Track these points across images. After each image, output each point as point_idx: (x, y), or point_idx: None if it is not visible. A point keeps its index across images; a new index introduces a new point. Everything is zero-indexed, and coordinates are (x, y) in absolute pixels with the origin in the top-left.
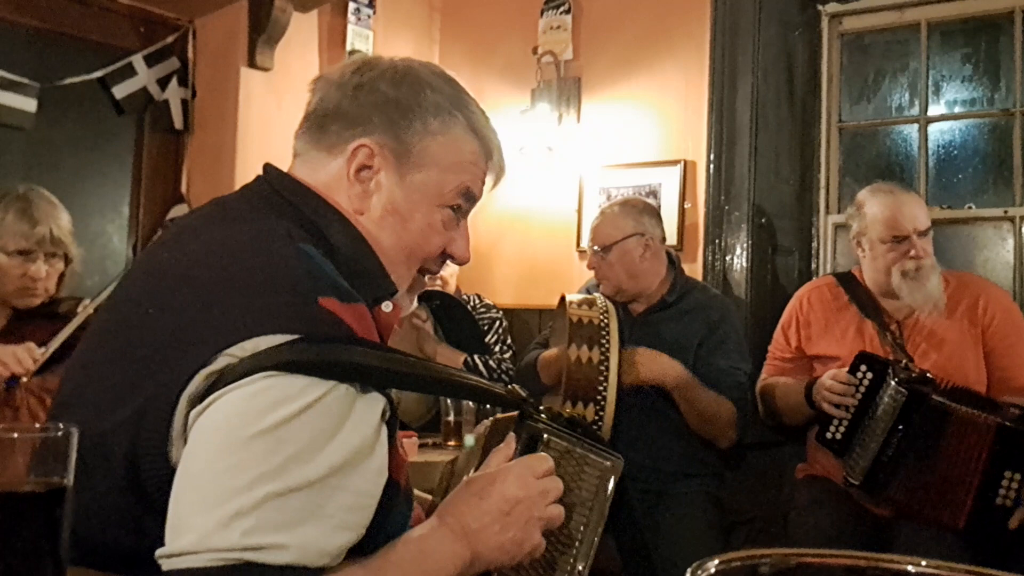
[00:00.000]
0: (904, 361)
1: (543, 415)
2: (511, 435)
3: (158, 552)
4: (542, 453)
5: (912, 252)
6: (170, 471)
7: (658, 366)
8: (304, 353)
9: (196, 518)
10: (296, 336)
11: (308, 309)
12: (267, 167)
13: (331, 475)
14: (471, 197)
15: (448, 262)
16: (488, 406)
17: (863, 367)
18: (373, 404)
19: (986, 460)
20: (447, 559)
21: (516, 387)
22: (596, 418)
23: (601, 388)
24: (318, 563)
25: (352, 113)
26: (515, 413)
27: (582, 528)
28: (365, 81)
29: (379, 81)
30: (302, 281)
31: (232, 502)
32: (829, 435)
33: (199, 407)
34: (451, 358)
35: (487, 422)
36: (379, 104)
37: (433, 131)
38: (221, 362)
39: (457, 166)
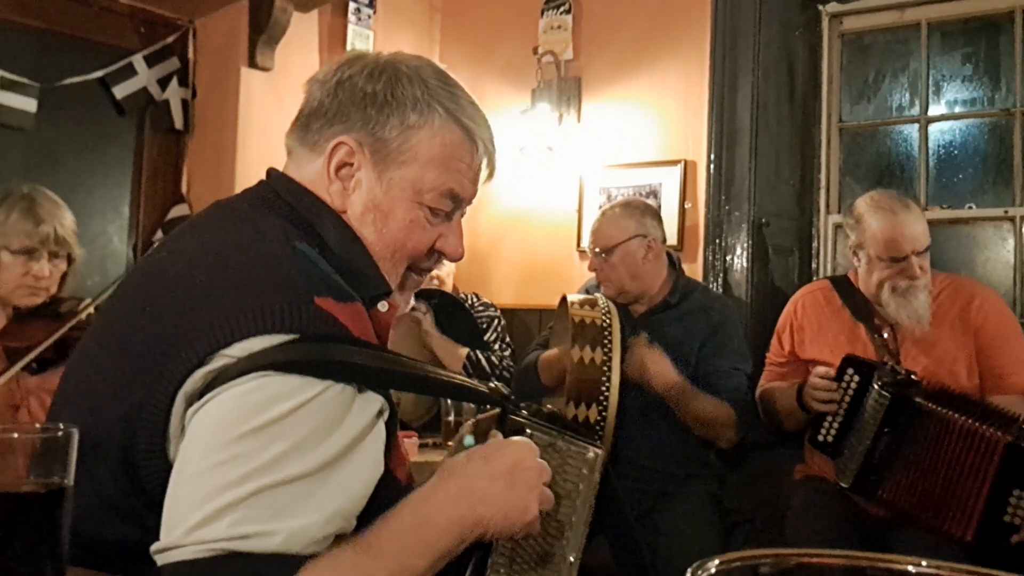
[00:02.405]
0: (890, 364)
1: (524, 411)
2: (494, 431)
3: (152, 548)
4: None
5: (909, 272)
6: (168, 468)
7: (660, 371)
8: (300, 353)
9: (187, 513)
10: (292, 336)
11: (304, 309)
12: (270, 171)
13: (323, 468)
14: (456, 198)
15: (442, 259)
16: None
17: (850, 370)
18: (368, 403)
19: (995, 476)
20: (447, 524)
21: (498, 385)
22: (599, 419)
23: (604, 389)
24: (305, 551)
25: (332, 110)
26: (497, 411)
27: (571, 519)
28: (345, 78)
29: (357, 77)
30: (298, 281)
31: (222, 496)
32: (820, 437)
33: (196, 405)
34: (454, 352)
35: (470, 422)
36: (356, 100)
37: (412, 125)
38: (219, 361)
39: (439, 162)
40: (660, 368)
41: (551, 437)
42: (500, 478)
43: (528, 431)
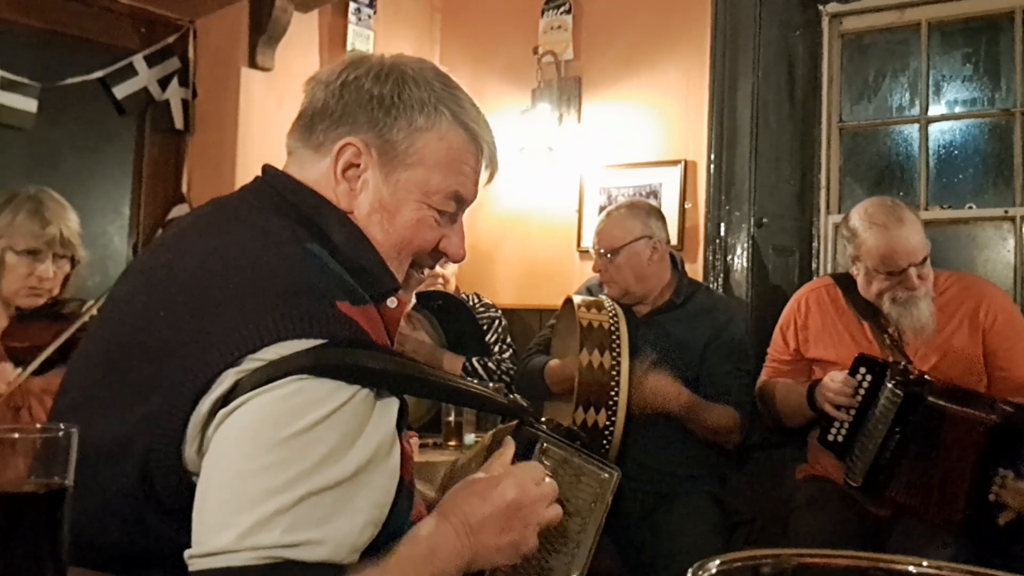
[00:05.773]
0: (903, 363)
1: (543, 425)
2: (509, 439)
3: (188, 552)
4: (535, 462)
5: (907, 284)
6: (181, 469)
7: (664, 394)
8: (331, 357)
9: (234, 517)
10: (321, 340)
11: (328, 313)
12: (266, 167)
13: (359, 473)
14: (460, 200)
15: (443, 259)
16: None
17: (862, 369)
18: (390, 406)
19: (980, 457)
20: (452, 557)
21: (517, 397)
22: (608, 423)
23: (613, 393)
24: (348, 559)
25: (338, 112)
26: (515, 422)
27: (578, 537)
28: (350, 79)
29: (364, 79)
30: (317, 284)
31: (271, 501)
32: (831, 437)
33: (225, 409)
34: (451, 362)
35: (489, 434)
36: (363, 102)
37: (419, 127)
38: (247, 365)
39: (445, 164)
40: (668, 392)
41: (567, 453)
42: (493, 520)
43: (544, 444)
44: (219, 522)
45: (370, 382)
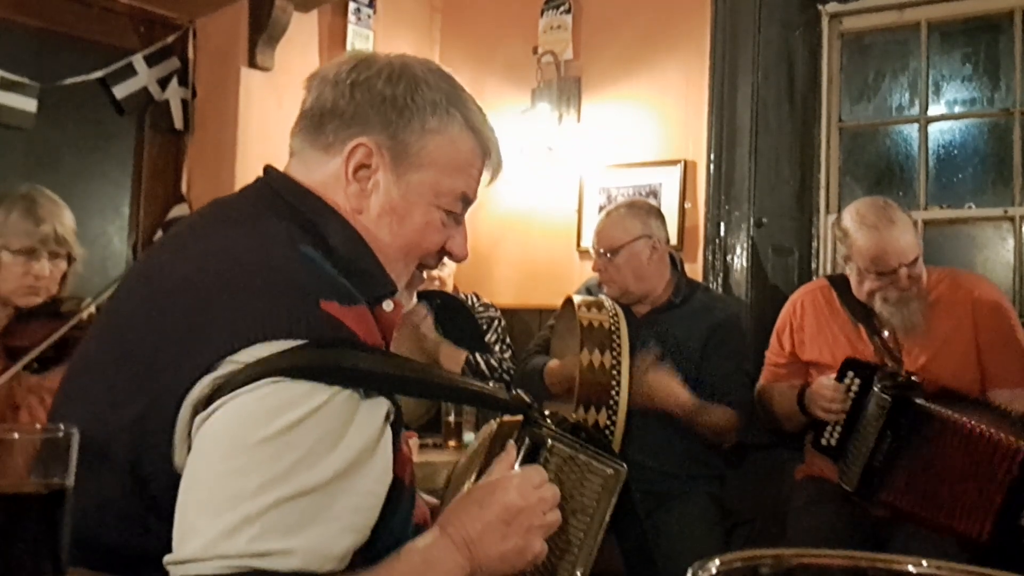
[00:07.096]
0: (891, 366)
1: (548, 420)
2: (511, 443)
3: (166, 558)
4: (537, 465)
5: (898, 284)
6: (174, 473)
7: (669, 394)
8: (308, 359)
9: (203, 524)
10: (300, 341)
11: (310, 313)
12: (267, 168)
13: (336, 479)
14: (467, 201)
15: (446, 260)
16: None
17: (850, 373)
18: (376, 408)
19: (1011, 481)
20: (450, 569)
21: (521, 393)
22: (608, 423)
23: (614, 393)
24: (324, 568)
25: (349, 112)
26: (520, 417)
27: (582, 534)
28: (361, 79)
29: (376, 79)
30: (303, 285)
31: (239, 508)
32: (824, 441)
33: (204, 413)
34: (453, 356)
35: (493, 423)
36: (376, 103)
37: (431, 129)
38: (225, 368)
39: (455, 167)
40: (670, 391)
41: (573, 450)
42: (493, 527)
43: (550, 442)
44: (191, 528)
45: (353, 383)
